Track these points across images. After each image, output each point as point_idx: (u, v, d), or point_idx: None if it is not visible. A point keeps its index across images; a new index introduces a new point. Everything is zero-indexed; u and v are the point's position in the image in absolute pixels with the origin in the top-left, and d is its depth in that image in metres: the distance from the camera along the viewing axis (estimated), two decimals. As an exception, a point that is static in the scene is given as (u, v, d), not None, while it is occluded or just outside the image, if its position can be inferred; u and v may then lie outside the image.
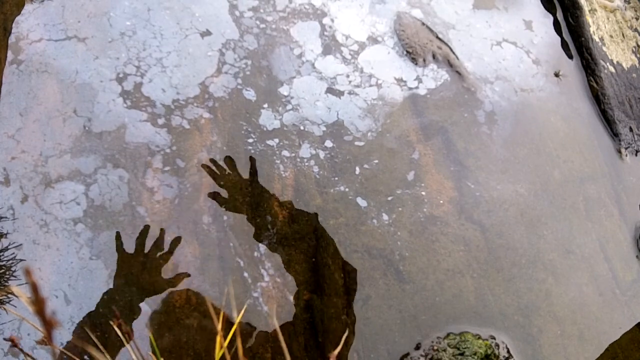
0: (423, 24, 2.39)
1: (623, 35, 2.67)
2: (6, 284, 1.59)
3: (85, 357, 1.61)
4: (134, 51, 2.05)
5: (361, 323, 1.82)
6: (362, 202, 1.99)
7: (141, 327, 1.68)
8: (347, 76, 2.21)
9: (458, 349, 1.78)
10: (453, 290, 1.92)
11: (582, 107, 2.44)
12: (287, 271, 1.85)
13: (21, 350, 1.04)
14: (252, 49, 2.17)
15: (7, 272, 1.61)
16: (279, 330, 1.76)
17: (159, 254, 1.78)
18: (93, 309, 1.67)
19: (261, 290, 1.80)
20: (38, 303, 0.56)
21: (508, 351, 1.85)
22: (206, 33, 2.14)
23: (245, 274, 1.81)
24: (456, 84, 2.30)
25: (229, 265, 1.81)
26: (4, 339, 1.39)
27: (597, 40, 2.54)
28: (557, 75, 2.43)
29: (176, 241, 1.79)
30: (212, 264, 1.80)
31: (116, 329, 1.07)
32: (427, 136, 2.17)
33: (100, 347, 1.56)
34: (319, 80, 2.18)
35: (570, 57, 2.54)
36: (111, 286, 1.71)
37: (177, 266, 1.78)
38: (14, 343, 1.01)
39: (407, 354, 1.80)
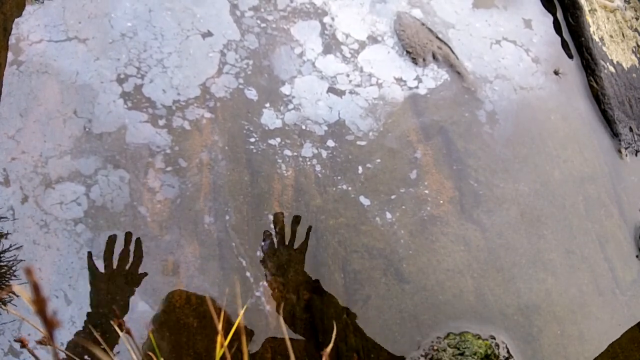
0: (423, 24, 2.39)
1: (623, 35, 2.67)
2: (7, 284, 1.60)
3: (86, 357, 1.61)
4: (135, 52, 2.05)
5: (361, 323, 1.82)
6: (364, 201, 2.00)
7: (141, 327, 1.69)
8: (348, 75, 2.21)
9: (458, 348, 1.78)
10: (453, 290, 1.92)
11: (582, 106, 2.44)
12: (287, 271, 1.85)
13: (31, 352, 1.04)
14: (253, 49, 2.17)
15: (8, 272, 1.61)
16: (284, 330, 1.76)
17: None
18: (93, 309, 1.68)
19: (263, 290, 1.81)
20: (39, 303, 0.56)
21: (508, 351, 1.86)
22: (207, 34, 2.15)
23: (248, 274, 1.82)
24: (456, 83, 2.30)
25: (231, 265, 1.82)
26: (15, 340, 1.39)
27: (597, 40, 2.54)
28: (556, 73, 2.43)
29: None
30: (213, 264, 1.81)
31: (116, 328, 1.07)
32: (428, 136, 2.17)
33: (103, 346, 1.56)
34: (320, 79, 2.18)
35: (570, 56, 2.54)
36: (111, 286, 1.71)
37: (177, 266, 1.78)
38: (23, 344, 1.01)
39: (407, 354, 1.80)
